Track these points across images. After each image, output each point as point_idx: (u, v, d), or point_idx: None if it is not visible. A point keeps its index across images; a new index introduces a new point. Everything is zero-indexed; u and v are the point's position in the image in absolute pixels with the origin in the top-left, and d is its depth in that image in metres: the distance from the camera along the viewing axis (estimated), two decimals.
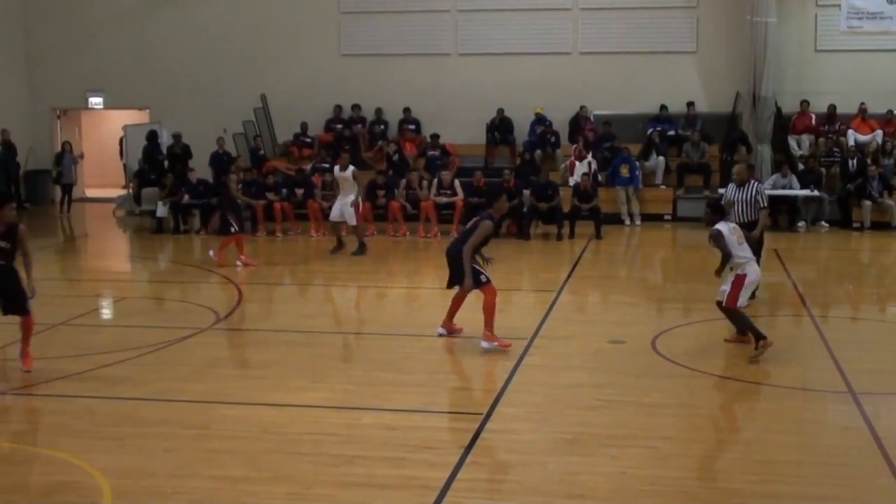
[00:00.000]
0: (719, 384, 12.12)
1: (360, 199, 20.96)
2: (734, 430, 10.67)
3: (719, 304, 13.00)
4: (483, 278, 13.21)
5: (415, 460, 9.10)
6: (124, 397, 11.21)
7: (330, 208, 21.15)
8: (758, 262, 13.95)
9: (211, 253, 19.81)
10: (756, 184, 15.45)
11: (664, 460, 9.32)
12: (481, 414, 10.50)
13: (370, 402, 11.02)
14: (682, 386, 11.95)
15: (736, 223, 14.16)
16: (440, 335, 13.57)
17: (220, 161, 26.53)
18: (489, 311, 13.05)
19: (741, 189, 15.24)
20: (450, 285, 13.54)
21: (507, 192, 23.03)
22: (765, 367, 12.53)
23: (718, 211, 13.46)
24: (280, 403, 11.18)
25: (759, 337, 12.63)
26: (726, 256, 12.91)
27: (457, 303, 13.60)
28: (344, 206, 20.46)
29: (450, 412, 11.09)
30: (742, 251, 12.88)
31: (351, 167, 20.69)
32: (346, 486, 8.75)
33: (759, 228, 15.04)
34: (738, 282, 12.75)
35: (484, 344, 12.95)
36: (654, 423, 10.40)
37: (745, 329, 13.01)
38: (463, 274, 13.12)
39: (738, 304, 12.85)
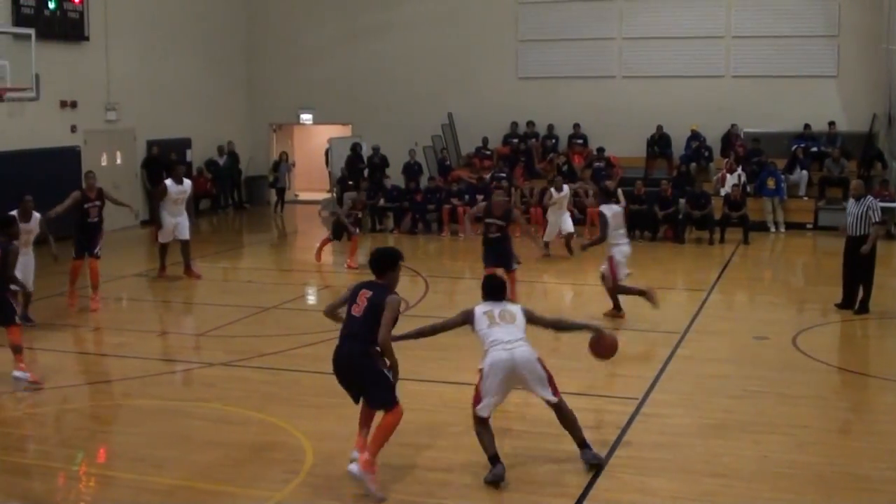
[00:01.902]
0: (854, 379, 11.80)
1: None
2: (867, 421, 10.34)
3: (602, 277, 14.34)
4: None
5: None
6: (326, 372, 11.39)
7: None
8: (872, 277, 14.48)
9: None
10: (871, 199, 14.80)
11: (801, 447, 9.15)
12: (637, 399, 10.46)
13: None
14: (820, 380, 11.69)
15: (849, 235, 14.65)
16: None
17: (411, 170, 26.99)
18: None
19: (857, 203, 14.71)
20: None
21: (664, 200, 23.06)
22: None
23: (606, 194, 15.50)
24: (460, 382, 11.30)
25: (618, 308, 14.26)
26: (602, 235, 14.18)
27: None
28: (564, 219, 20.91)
29: (608, 396, 11.06)
30: (615, 235, 14.08)
31: (566, 187, 21.09)
32: (515, 456, 8.83)
33: (869, 243, 14.48)
34: (612, 262, 13.97)
35: None
36: (794, 412, 10.19)
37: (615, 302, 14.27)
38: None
39: (618, 279, 14.04)
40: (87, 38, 24.12)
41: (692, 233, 23.09)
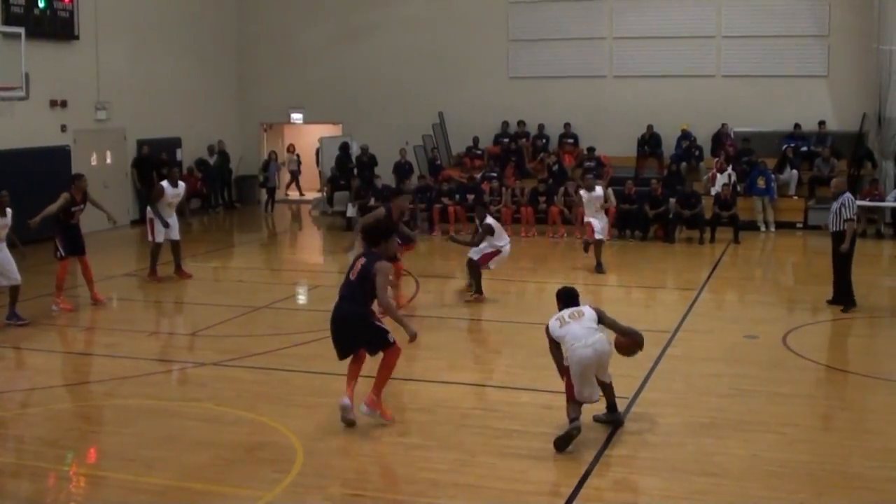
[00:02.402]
0: (844, 378, 11.82)
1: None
2: (856, 420, 10.34)
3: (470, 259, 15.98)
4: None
5: None
6: (316, 371, 11.50)
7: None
8: (850, 270, 14.75)
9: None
10: (845, 197, 14.84)
11: (792, 445, 9.16)
12: (627, 398, 10.44)
13: (529, 383, 11.07)
14: (810, 378, 11.71)
15: (830, 231, 14.96)
16: None
17: (402, 169, 27.01)
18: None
19: (835, 200, 14.92)
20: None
21: (654, 200, 23.08)
22: (887, 364, 12.21)
23: (487, 209, 18.11)
24: (450, 381, 11.33)
25: (479, 291, 15.90)
26: (479, 240, 15.89)
27: None
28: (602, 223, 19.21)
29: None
30: (499, 239, 15.94)
31: (598, 188, 19.17)
32: (506, 456, 8.84)
33: (847, 241, 14.58)
34: (492, 254, 15.85)
35: None
36: (784, 411, 10.21)
37: (477, 285, 15.92)
38: None
39: (487, 266, 15.90)
40: (76, 37, 24.06)
41: (682, 232, 23.10)
